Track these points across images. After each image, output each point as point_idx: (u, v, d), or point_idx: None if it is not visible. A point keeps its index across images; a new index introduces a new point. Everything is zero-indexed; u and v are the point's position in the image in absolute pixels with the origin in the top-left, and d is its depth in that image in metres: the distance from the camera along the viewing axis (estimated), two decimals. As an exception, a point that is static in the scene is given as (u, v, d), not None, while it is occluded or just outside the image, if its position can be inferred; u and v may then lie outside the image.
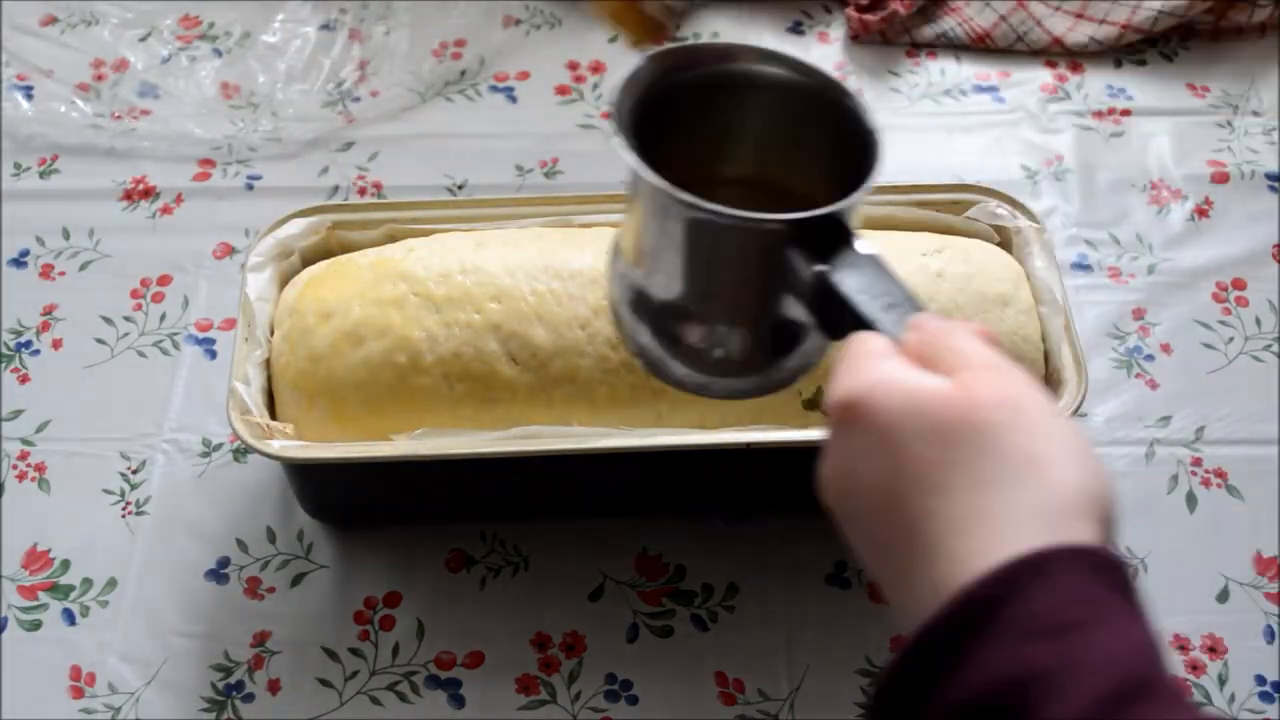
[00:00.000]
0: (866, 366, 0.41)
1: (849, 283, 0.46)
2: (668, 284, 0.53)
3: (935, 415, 0.39)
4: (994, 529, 0.36)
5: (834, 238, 0.48)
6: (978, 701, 0.34)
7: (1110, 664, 0.34)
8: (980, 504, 0.37)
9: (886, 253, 0.72)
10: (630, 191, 0.53)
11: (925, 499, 0.38)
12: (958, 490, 0.37)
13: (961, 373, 0.40)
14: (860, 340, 0.44)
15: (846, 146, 0.52)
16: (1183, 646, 0.71)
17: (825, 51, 1.04)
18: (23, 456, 0.79)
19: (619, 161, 1.03)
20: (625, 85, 0.51)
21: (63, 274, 0.89)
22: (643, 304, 0.54)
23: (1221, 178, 0.95)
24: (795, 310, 0.50)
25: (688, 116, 0.55)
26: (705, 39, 1.05)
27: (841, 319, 0.46)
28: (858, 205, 0.49)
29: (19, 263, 0.89)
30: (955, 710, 0.35)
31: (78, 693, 0.69)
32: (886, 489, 0.39)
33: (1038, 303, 0.72)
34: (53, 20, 1.05)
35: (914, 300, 0.46)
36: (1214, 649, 0.71)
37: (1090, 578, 0.35)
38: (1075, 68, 1.03)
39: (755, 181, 0.57)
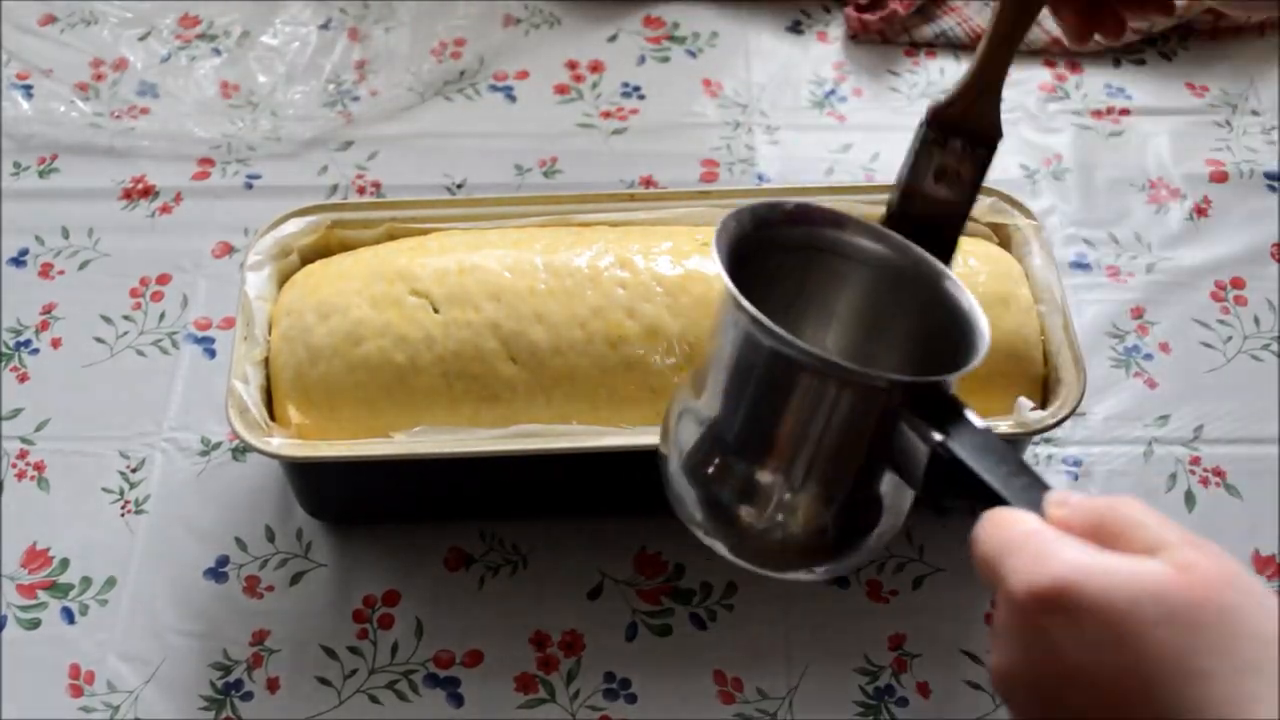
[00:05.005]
0: (1049, 550, 0.38)
1: (969, 453, 0.43)
2: (749, 442, 0.49)
3: (1173, 599, 0.36)
4: (1271, 713, 0.34)
5: (949, 407, 0.45)
6: None
7: None
8: (1250, 689, 0.35)
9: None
10: (723, 333, 0.50)
11: (1184, 688, 0.35)
12: (1219, 677, 0.35)
13: (1167, 552, 0.37)
14: (1011, 519, 0.40)
15: (935, 326, 0.51)
16: (1181, 645, 0.71)
17: (824, 51, 1.04)
18: (22, 455, 0.79)
19: (617, 161, 1.03)
20: (725, 224, 0.50)
21: (62, 273, 0.89)
22: (713, 460, 0.51)
23: (1220, 177, 0.95)
24: (885, 483, 0.48)
25: (770, 273, 0.52)
26: (704, 37, 1.05)
27: (959, 493, 0.43)
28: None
29: (18, 262, 0.89)
30: None
31: (77, 691, 0.69)
32: (1124, 683, 0.36)
33: (1036, 301, 0.72)
34: (52, 19, 1.05)
35: (1030, 470, 0.43)
36: (1212, 648, 0.71)
37: None
38: (1074, 67, 1.03)
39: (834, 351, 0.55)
